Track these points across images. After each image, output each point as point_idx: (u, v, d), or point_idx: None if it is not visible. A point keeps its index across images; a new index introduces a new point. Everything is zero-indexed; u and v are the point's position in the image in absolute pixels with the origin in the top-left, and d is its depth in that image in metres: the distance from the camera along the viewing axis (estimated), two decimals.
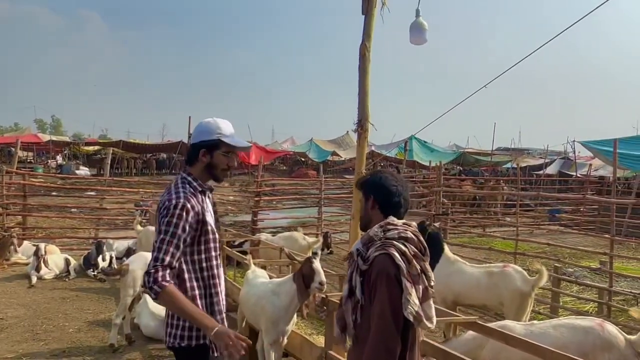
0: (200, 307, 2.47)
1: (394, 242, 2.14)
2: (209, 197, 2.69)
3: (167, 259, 2.34)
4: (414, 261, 2.12)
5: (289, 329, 4.39)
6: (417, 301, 2.06)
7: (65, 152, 36.70)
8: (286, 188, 16.62)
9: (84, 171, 29.33)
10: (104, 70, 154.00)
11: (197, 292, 2.51)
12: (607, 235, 9.90)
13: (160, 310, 6.11)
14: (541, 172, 26.33)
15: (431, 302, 2.16)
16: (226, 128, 2.59)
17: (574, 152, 26.12)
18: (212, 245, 2.55)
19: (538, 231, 14.25)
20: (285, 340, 4.44)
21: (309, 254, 6.30)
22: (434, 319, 2.15)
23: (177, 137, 34.37)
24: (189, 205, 2.44)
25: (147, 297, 6.18)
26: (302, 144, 39.76)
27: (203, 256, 2.53)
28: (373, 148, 28.49)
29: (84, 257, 9.18)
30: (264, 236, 8.59)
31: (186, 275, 2.49)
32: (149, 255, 6.01)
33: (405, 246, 2.14)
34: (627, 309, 6.40)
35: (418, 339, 2.21)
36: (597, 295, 7.17)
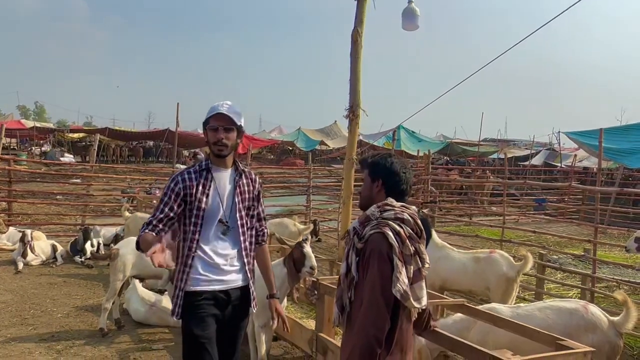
0: (178, 273, 2.80)
1: (390, 222, 2.17)
2: (235, 179, 2.87)
3: (149, 218, 2.75)
4: (408, 242, 2.15)
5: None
6: (406, 280, 2.10)
7: (50, 138, 36.17)
8: (274, 176, 16.59)
9: (68, 158, 28.95)
10: (88, 57, 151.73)
11: (178, 260, 2.81)
12: (590, 224, 10.09)
13: (149, 295, 6.12)
14: (527, 162, 26.62)
15: (423, 283, 2.19)
16: (214, 106, 2.81)
17: (559, 143, 26.43)
18: (193, 220, 2.77)
19: (523, 220, 14.45)
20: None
21: (300, 240, 6.34)
22: (424, 300, 2.19)
23: (164, 125, 34.00)
24: (179, 178, 2.79)
25: (136, 283, 6.18)
26: (289, 133, 39.66)
27: (188, 228, 2.80)
28: (361, 137, 28.47)
29: (71, 243, 9.12)
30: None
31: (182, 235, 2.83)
32: None
33: (401, 227, 2.17)
34: (609, 294, 6.55)
35: (410, 319, 2.25)
36: (580, 282, 7.33)
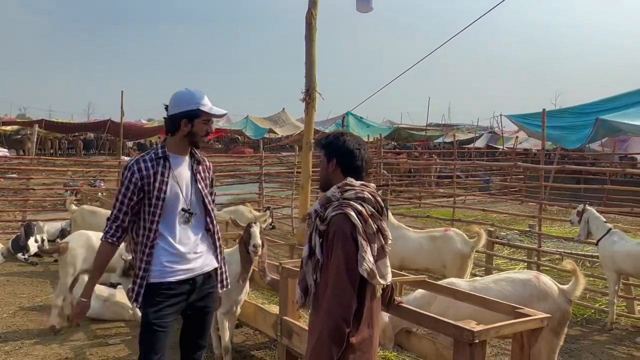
0: (137, 268, 2.77)
1: (351, 202, 2.18)
2: (193, 167, 2.89)
3: (112, 215, 2.75)
4: (370, 220, 2.17)
5: (242, 298, 4.40)
6: (371, 259, 2.12)
7: None
8: (224, 165, 16.31)
9: (2, 152, 27.31)
10: (20, 45, 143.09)
11: (138, 249, 2.79)
12: (532, 202, 10.54)
13: (102, 290, 5.91)
14: (471, 145, 27.56)
15: (387, 260, 2.23)
16: (202, 97, 2.80)
17: (500, 127, 27.48)
18: (152, 209, 2.73)
19: (470, 200, 14.97)
20: (239, 310, 4.46)
21: None
22: (389, 277, 2.23)
23: (104, 116, 32.63)
24: (135, 168, 2.71)
25: (86, 278, 5.94)
26: (237, 121, 39.08)
27: (147, 217, 2.74)
28: None
29: (12, 240, 8.64)
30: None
31: (134, 232, 2.82)
32: (90, 234, 5.77)
33: (362, 206, 2.18)
34: (554, 266, 6.92)
35: (375, 296, 2.28)
36: (526, 256, 7.70)
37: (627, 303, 6.14)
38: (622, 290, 6.08)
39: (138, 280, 2.74)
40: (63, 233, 8.79)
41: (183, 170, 2.83)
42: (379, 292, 2.30)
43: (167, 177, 2.74)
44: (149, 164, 2.72)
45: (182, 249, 2.78)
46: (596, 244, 6.01)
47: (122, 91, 12.33)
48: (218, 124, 41.68)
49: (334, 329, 2.05)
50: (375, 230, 2.17)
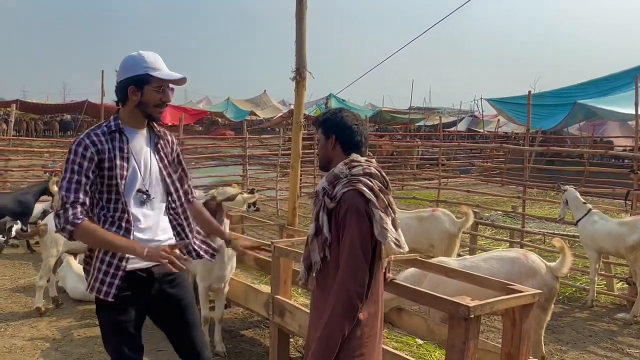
0: (103, 254, 2.38)
1: (360, 177, 2.17)
2: (154, 142, 2.53)
3: (72, 196, 2.27)
4: (381, 195, 2.17)
5: (227, 274, 4.36)
6: (393, 229, 2.14)
7: None
8: (208, 146, 16.15)
9: None
10: None
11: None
12: (512, 184, 10.67)
13: None
14: (452, 128, 27.79)
15: (400, 231, 2.24)
16: (153, 60, 2.42)
17: (481, 110, 27.71)
18: (114, 189, 2.37)
19: (452, 183, 15.12)
20: (227, 288, 4.45)
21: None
22: (405, 246, 2.23)
23: (81, 97, 31.88)
24: (88, 141, 2.33)
25: (70, 259, 5.87)
26: (218, 103, 38.62)
27: (110, 197, 2.38)
28: (292, 107, 28.29)
29: None
30: (197, 193, 8.39)
31: (98, 214, 2.40)
32: None
33: (371, 181, 2.18)
34: (536, 246, 7.05)
35: (380, 272, 2.29)
36: (508, 236, 7.84)
37: (607, 281, 6.31)
38: (602, 269, 6.24)
39: (111, 270, 2.34)
40: (45, 215, 8.61)
41: (140, 146, 2.47)
42: (383, 267, 2.32)
43: (127, 153, 2.39)
44: (103, 138, 2.36)
45: (138, 234, 2.41)
46: (576, 224, 6.13)
47: (102, 71, 12.11)
48: (198, 105, 41.25)
49: (348, 303, 2.06)
50: (386, 204, 2.18)
